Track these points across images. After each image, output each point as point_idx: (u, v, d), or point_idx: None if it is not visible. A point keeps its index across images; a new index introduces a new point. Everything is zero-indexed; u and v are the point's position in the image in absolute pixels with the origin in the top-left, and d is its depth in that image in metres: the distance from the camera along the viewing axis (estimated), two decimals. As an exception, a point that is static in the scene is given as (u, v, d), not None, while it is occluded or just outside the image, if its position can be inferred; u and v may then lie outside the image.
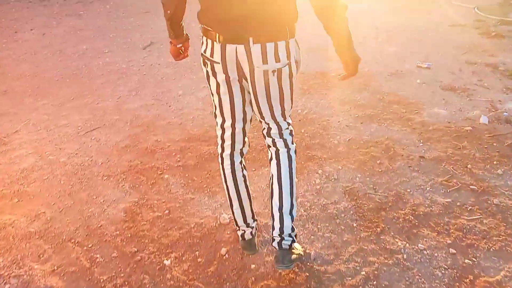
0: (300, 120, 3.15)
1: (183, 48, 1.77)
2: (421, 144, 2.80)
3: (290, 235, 1.63)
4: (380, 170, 2.53)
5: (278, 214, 1.61)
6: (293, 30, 1.44)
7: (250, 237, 1.84)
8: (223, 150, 1.66)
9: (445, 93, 3.55)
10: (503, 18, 5.63)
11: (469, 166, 2.54)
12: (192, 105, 3.49)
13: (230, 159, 1.65)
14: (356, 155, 2.69)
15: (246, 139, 1.67)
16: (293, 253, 1.66)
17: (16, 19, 6.38)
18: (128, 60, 4.54)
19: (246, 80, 1.48)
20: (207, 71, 1.53)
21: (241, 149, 1.67)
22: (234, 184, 1.68)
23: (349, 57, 1.52)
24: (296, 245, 1.74)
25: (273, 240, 1.65)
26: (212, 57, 1.47)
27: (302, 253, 1.81)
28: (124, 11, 6.63)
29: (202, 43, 1.51)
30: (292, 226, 1.64)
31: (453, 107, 3.29)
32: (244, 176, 1.70)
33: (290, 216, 1.61)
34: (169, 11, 1.58)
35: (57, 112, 3.47)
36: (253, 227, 1.83)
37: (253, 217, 1.82)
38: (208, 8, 1.43)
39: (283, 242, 1.62)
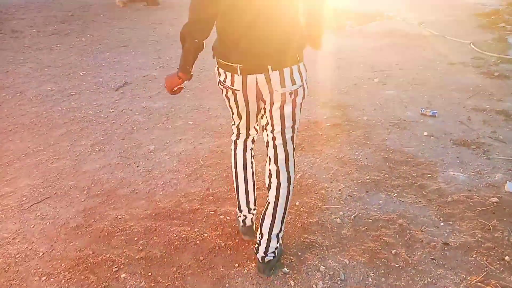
0: (294, 187, 2.59)
1: (182, 85, 1.65)
2: (442, 223, 2.25)
3: (273, 252, 1.80)
4: (397, 265, 1.97)
5: (267, 236, 1.76)
6: (302, 55, 1.57)
7: (250, 223, 1.99)
8: (238, 137, 1.85)
9: (458, 149, 3.05)
10: (502, 55, 5.26)
11: (506, 258, 2.00)
12: (165, 165, 2.92)
13: (244, 145, 1.84)
14: (365, 240, 2.13)
15: (257, 128, 1.85)
16: (274, 266, 1.85)
17: (-21, 54, 5.79)
18: (96, 105, 3.97)
19: (263, 101, 1.62)
20: (226, 96, 1.67)
21: (253, 137, 1.88)
22: (244, 168, 1.83)
23: (318, 31, 1.57)
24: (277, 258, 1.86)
25: (257, 252, 1.82)
26: (233, 86, 1.58)
27: (280, 262, 1.92)
28: (101, 45, 6.10)
29: (220, 74, 1.60)
30: (277, 246, 1.80)
31: (470, 169, 2.78)
32: (252, 163, 1.88)
33: (277, 239, 1.78)
34: (197, 40, 1.47)
35: (1, 175, 2.85)
36: (253, 214, 1.97)
37: (254, 203, 1.95)
38: (226, 42, 1.51)
39: (266, 258, 1.81)
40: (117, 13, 8.98)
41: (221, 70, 1.58)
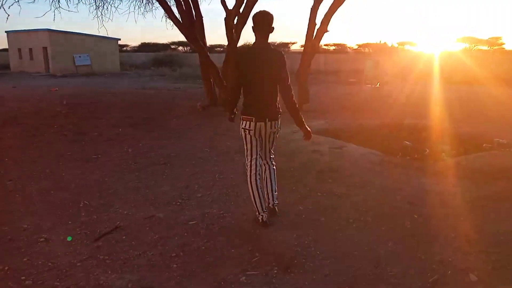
0: None
1: (233, 116, 3.21)
2: None
3: (276, 199, 3.24)
4: None
5: (271, 193, 3.19)
6: (279, 116, 3.04)
7: (266, 219, 3.05)
8: (251, 173, 3.04)
9: None
10: None
11: None
12: None
13: (255, 177, 3.03)
14: None
15: (260, 167, 3.10)
16: (276, 209, 3.23)
17: (20, 161, 5.14)
18: (47, 268, 2.62)
19: (261, 137, 3.05)
20: (245, 134, 3.01)
21: (259, 172, 3.07)
22: (257, 188, 3.02)
23: (303, 129, 3.07)
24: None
25: (269, 204, 3.19)
26: (249, 128, 2.97)
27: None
28: (140, 160, 5.05)
29: (242, 123, 2.99)
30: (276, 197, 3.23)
31: None
32: (260, 183, 3.07)
33: (276, 194, 3.23)
34: (232, 105, 3.18)
35: None
36: (266, 212, 3.08)
37: (266, 207, 3.08)
38: (248, 107, 2.97)
39: (274, 203, 3.21)
40: (191, 118, 8.24)
41: (244, 121, 2.98)
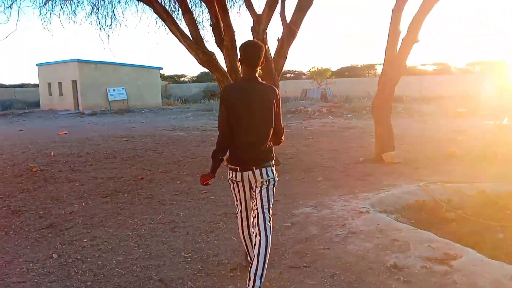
0: None
1: (212, 178, 3.03)
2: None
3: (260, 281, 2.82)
4: None
5: (253, 274, 2.76)
6: (272, 161, 2.99)
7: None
8: (242, 225, 3.10)
9: None
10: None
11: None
12: None
13: (247, 229, 3.07)
14: None
15: (251, 218, 3.02)
16: None
17: None
18: None
19: (252, 188, 2.99)
20: (233, 186, 3.03)
21: (251, 222, 3.00)
22: (250, 240, 3.05)
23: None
24: None
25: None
26: (236, 179, 2.96)
27: None
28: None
29: (229, 173, 2.97)
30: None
31: None
32: (252, 234, 2.99)
33: (262, 278, 2.80)
34: (220, 156, 2.99)
35: None
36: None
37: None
38: (233, 154, 2.94)
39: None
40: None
41: (230, 171, 2.96)
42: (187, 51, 7.37)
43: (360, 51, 70.95)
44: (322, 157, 8.09)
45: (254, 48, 2.91)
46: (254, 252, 2.83)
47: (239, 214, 3.12)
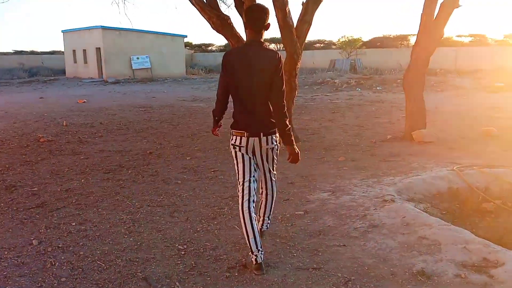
0: None
1: (218, 129, 3.20)
2: None
3: (267, 225, 3.27)
4: None
5: (263, 217, 3.21)
6: (275, 128, 2.93)
7: (261, 260, 2.84)
8: (243, 199, 2.93)
9: None
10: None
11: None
12: None
13: (248, 204, 2.91)
14: None
15: (254, 193, 2.97)
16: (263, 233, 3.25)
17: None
18: None
19: (255, 155, 2.94)
20: (235, 151, 2.94)
21: (253, 199, 2.95)
22: (250, 221, 2.86)
23: (289, 149, 2.92)
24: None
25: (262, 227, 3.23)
26: (240, 144, 2.89)
27: None
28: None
29: (232, 138, 2.93)
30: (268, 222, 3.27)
31: None
32: (254, 215, 2.94)
33: (269, 221, 3.27)
34: (216, 117, 3.13)
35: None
36: (262, 252, 2.87)
37: (261, 245, 2.88)
38: (237, 119, 2.89)
39: (263, 228, 3.23)
40: (215, 154, 5.98)
41: (234, 136, 2.91)
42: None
43: (394, 21, 68.19)
44: (346, 134, 7.48)
45: (258, 11, 2.88)
46: (261, 205, 3.20)
47: (240, 188, 2.99)
